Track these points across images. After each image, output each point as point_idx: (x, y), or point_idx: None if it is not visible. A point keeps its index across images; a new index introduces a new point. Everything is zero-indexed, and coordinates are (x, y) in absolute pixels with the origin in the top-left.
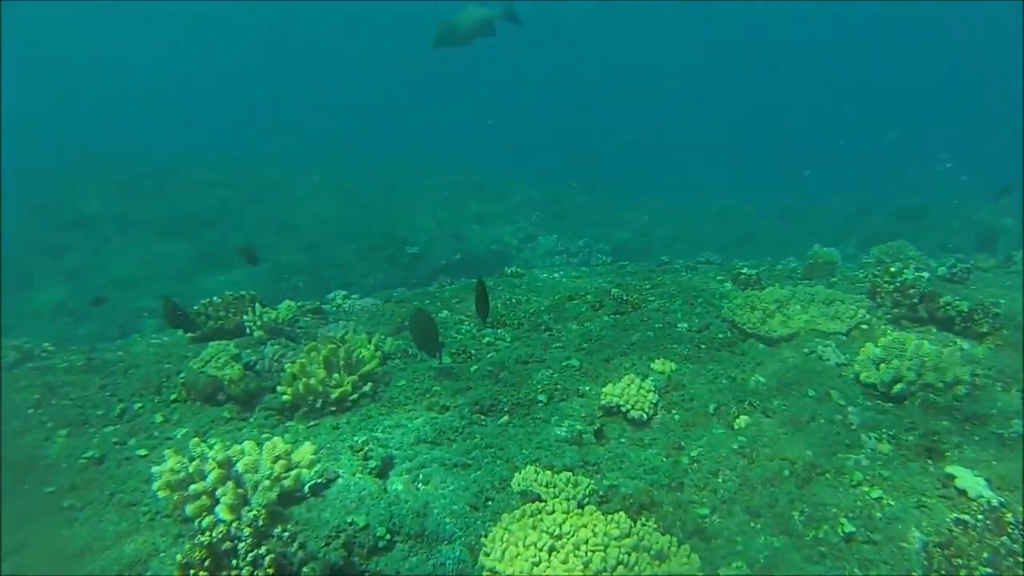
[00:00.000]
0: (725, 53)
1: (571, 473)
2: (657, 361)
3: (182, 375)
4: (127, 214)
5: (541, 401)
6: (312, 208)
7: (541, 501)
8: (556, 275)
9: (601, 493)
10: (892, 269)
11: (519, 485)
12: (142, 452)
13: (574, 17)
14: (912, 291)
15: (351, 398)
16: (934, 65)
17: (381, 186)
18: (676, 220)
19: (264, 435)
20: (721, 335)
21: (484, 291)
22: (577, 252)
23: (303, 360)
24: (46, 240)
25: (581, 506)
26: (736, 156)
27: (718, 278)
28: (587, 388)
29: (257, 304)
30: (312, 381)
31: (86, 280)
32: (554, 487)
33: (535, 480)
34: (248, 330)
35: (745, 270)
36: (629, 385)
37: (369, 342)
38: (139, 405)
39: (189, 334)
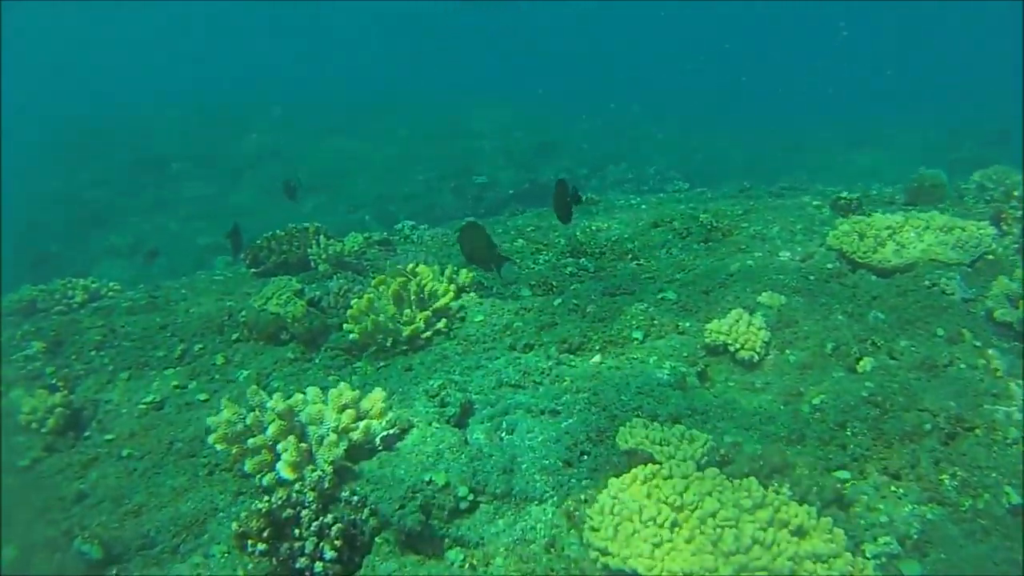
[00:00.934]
0: None
1: (684, 426)
2: (764, 294)
3: (243, 313)
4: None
5: (636, 339)
6: (379, 142)
7: (654, 463)
8: (633, 200)
9: (722, 452)
10: (1016, 193)
11: (626, 442)
12: (203, 397)
13: None
14: None
15: (424, 335)
16: None
17: (447, 117)
18: (747, 150)
19: (331, 378)
20: (829, 265)
21: (566, 190)
22: (647, 180)
23: (371, 295)
24: (123, 180)
25: (700, 468)
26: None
27: (814, 203)
28: (687, 324)
29: (322, 236)
30: (381, 318)
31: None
32: (667, 444)
33: (645, 437)
34: (313, 263)
35: (845, 194)
36: (737, 321)
37: (441, 274)
38: (200, 346)
39: (252, 269)
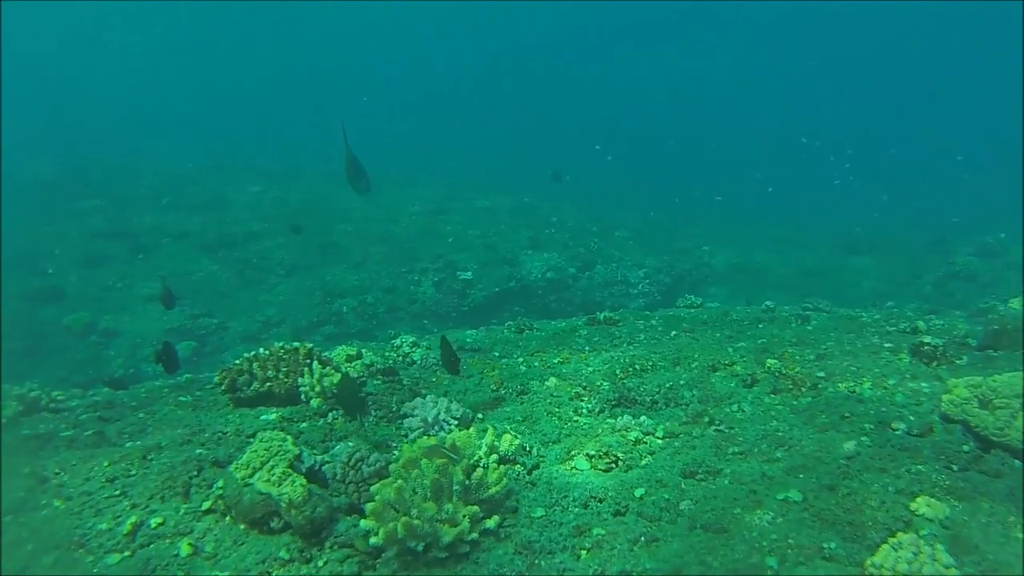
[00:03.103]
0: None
1: None
2: (920, 500)
3: (221, 485)
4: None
5: (771, 567)
6: (359, 225)
7: None
8: (654, 322)
9: None
10: None
11: None
12: None
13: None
14: None
15: (468, 538)
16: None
17: (431, 205)
18: (731, 248)
19: None
20: (966, 448)
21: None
22: (637, 283)
23: (399, 484)
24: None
25: None
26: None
27: (886, 346)
28: (832, 545)
29: (315, 361)
30: (416, 520)
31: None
32: None
33: None
34: (304, 397)
35: (927, 339)
36: (917, 554)
37: (480, 442)
38: (158, 521)
39: (229, 394)
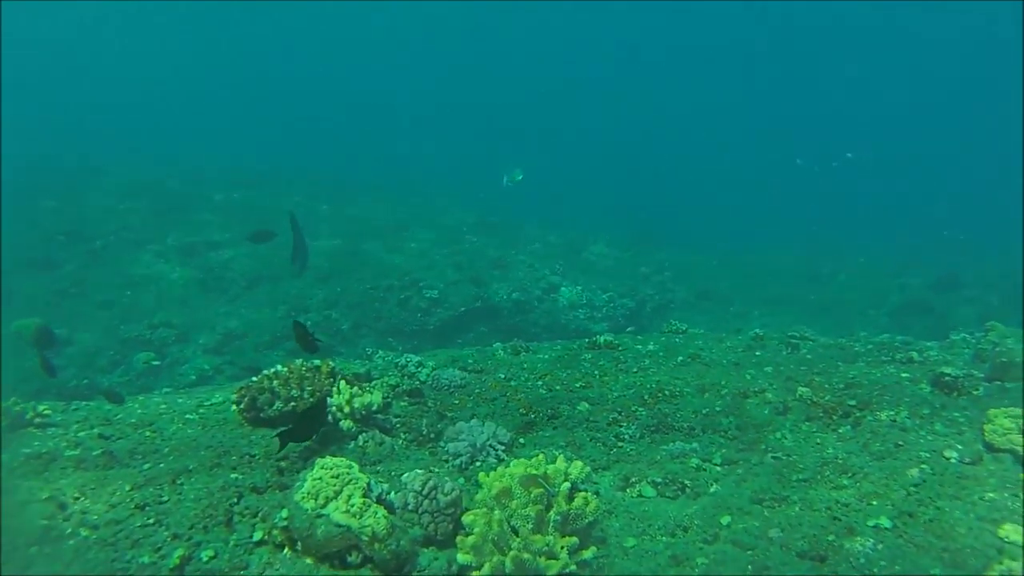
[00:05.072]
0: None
1: None
2: (1006, 527)
3: (284, 514)
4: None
5: None
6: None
7: None
8: (651, 347)
9: None
10: None
11: None
12: None
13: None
14: None
15: (568, 571)
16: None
17: (394, 222)
18: (694, 273)
19: None
20: (1022, 476)
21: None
22: (601, 307)
23: (497, 513)
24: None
25: None
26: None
27: (904, 375)
28: (937, 572)
29: (342, 381)
30: (525, 554)
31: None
32: None
33: None
34: (332, 418)
35: (948, 370)
36: None
37: (567, 470)
38: (209, 554)
39: (245, 414)
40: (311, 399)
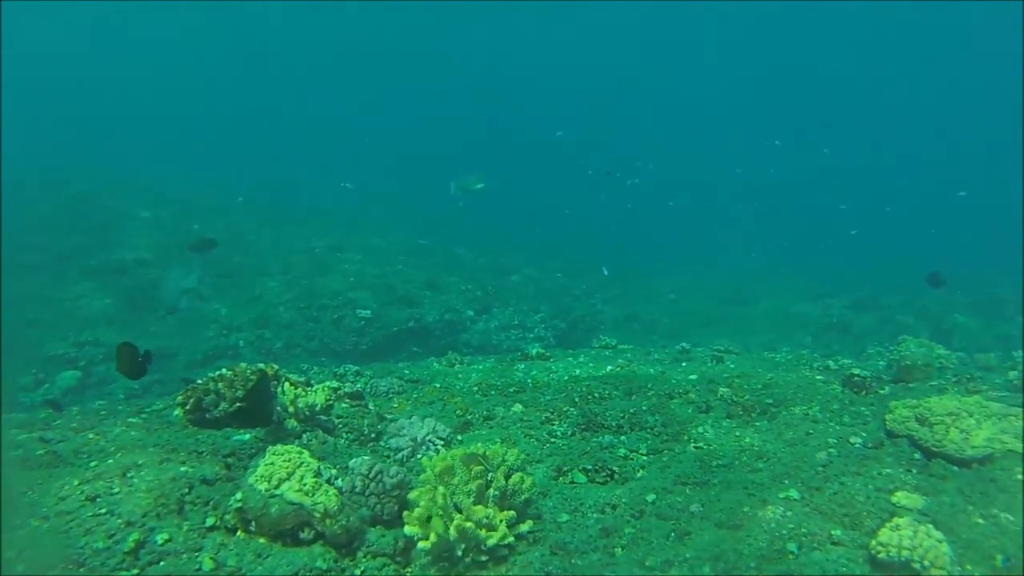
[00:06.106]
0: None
1: None
2: (899, 494)
3: (239, 496)
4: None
5: (792, 552)
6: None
7: None
8: (582, 359)
9: None
10: None
11: None
12: None
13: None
14: None
15: (506, 542)
16: None
17: (330, 241)
18: (624, 298)
19: None
20: (917, 455)
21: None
22: (533, 327)
23: (441, 488)
24: None
25: None
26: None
27: (818, 377)
28: (837, 533)
29: (286, 383)
30: (467, 523)
31: None
32: None
33: None
34: (278, 417)
35: (857, 371)
36: (915, 533)
37: (504, 455)
38: (164, 537)
39: (190, 416)
40: (253, 378)
